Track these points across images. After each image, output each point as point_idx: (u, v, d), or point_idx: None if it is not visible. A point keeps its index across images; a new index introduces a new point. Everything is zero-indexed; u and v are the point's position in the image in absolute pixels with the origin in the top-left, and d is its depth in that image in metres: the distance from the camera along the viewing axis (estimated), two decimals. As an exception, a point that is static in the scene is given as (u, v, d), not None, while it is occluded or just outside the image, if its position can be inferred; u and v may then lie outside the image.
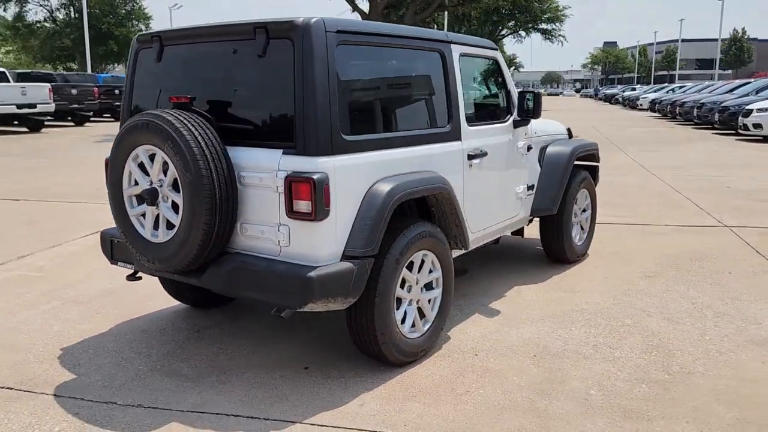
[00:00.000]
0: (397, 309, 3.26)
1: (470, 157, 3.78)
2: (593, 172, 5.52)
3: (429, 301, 3.48)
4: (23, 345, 3.65)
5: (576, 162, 5.23)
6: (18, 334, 3.81)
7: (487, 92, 4.46)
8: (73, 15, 43.71)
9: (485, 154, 3.92)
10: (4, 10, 42.45)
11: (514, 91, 4.31)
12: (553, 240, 5.05)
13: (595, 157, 5.42)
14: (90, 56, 35.71)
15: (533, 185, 4.68)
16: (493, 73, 4.32)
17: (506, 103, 4.30)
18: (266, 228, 2.95)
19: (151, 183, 3.03)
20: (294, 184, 2.81)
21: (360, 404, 2.96)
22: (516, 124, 4.30)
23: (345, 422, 2.81)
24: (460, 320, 3.99)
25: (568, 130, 5.50)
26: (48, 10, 43.58)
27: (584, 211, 5.37)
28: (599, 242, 5.84)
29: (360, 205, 2.99)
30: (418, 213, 3.56)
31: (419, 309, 3.43)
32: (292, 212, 2.84)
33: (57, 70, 43.15)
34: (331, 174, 2.84)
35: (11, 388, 3.13)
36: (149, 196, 3.01)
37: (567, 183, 4.86)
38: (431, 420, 2.83)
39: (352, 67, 3.09)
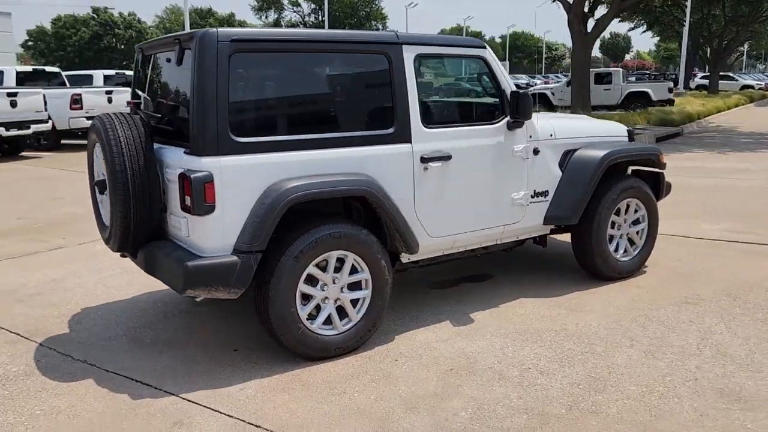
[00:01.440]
0: (304, 305, 3.38)
1: (425, 160, 3.70)
2: (655, 180, 4.88)
3: (353, 301, 3.53)
4: (61, 303, 4.48)
5: (634, 168, 4.70)
6: (66, 293, 4.67)
7: (466, 92, 4.24)
8: (321, 18, 48.36)
9: (449, 157, 3.78)
10: (265, 18, 48.57)
11: (527, 91, 4.05)
12: (584, 253, 4.60)
13: (654, 162, 4.78)
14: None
15: (546, 191, 4.33)
16: (480, 73, 4.11)
17: (498, 104, 4.06)
18: (177, 219, 3.31)
19: (103, 175, 3.56)
20: (183, 180, 3.11)
21: (240, 389, 3.18)
22: (511, 126, 4.04)
23: (211, 401, 3.05)
24: (425, 325, 3.93)
25: (629, 131, 4.92)
26: (300, 15, 48.82)
27: (636, 223, 4.78)
28: (677, 260, 5.14)
29: (254, 203, 3.18)
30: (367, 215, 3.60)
31: (340, 308, 3.50)
32: (184, 206, 3.15)
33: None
34: (216, 173, 3.08)
35: (18, 334, 3.93)
36: (99, 186, 3.55)
37: (595, 191, 4.41)
38: (280, 412, 2.94)
39: (250, 74, 3.27)
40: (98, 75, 16.81)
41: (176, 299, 4.47)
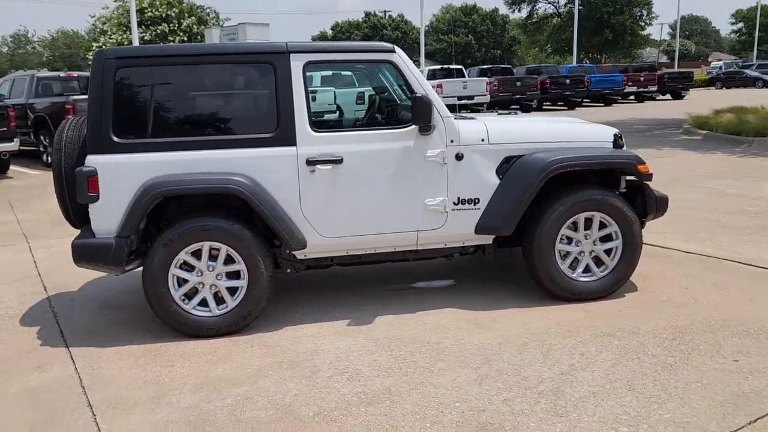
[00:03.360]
0: (179, 287, 3.84)
1: (311, 163, 3.87)
2: (638, 194, 4.26)
3: (231, 289, 3.90)
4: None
5: (631, 179, 4.19)
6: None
7: (368, 97, 4.17)
8: (572, 7, 46.45)
9: (340, 160, 3.89)
10: (519, 11, 48.27)
11: (424, 95, 3.96)
12: (530, 269, 4.25)
13: (629, 172, 4.17)
14: (585, 47, 37.77)
15: (475, 199, 4.12)
16: (387, 78, 4.06)
17: (409, 108, 3.99)
18: None
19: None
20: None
21: (114, 349, 3.79)
22: (423, 130, 3.97)
23: (82, 354, 3.71)
24: (323, 321, 4.10)
25: (616, 137, 4.34)
26: (554, 6, 47.48)
27: (607, 240, 4.24)
28: (679, 286, 4.40)
29: (132, 195, 3.74)
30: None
31: (217, 294, 3.90)
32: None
33: (562, 62, 46.72)
34: (99, 168, 3.72)
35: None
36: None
37: (544, 201, 4.08)
38: (120, 369, 3.48)
39: (132, 85, 3.79)
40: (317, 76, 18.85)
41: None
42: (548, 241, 4.14)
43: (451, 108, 4.23)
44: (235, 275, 3.91)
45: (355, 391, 3.16)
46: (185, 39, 27.67)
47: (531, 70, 28.76)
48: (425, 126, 3.93)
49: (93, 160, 3.73)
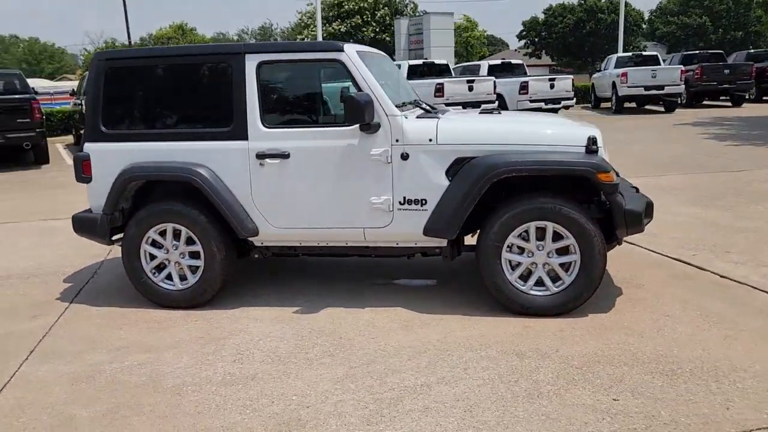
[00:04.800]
0: (150, 261, 4.38)
1: (261, 156, 4.14)
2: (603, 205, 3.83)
3: (192, 267, 4.34)
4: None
5: (595, 186, 3.88)
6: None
7: (315, 95, 4.19)
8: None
9: (287, 155, 4.10)
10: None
11: (372, 94, 3.98)
12: (481, 277, 4.06)
13: (589, 181, 3.76)
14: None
15: (422, 200, 4.03)
16: (335, 76, 4.09)
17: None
18: None
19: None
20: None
21: (96, 309, 4.45)
22: (364, 129, 4.00)
23: (67, 313, 4.43)
24: (261, 306, 4.37)
25: (590, 140, 3.91)
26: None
27: (564, 253, 3.89)
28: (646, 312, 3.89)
29: (114, 178, 4.34)
30: None
31: (181, 270, 4.38)
32: (80, 176, 4.54)
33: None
34: (91, 155, 4.38)
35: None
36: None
37: (492, 206, 3.92)
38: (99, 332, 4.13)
39: (120, 83, 4.32)
40: (484, 65, 18.70)
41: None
42: (494, 249, 3.93)
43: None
44: (196, 255, 4.33)
45: (227, 372, 3.40)
46: (377, 30, 29.08)
47: (753, 56, 25.23)
48: (364, 125, 3.96)
49: (87, 147, 4.40)
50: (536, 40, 56.63)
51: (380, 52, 5.04)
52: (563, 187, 3.98)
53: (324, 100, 4.43)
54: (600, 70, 22.98)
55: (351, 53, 4.07)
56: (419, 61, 18.17)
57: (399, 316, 4.09)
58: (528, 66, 22.42)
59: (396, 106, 4.11)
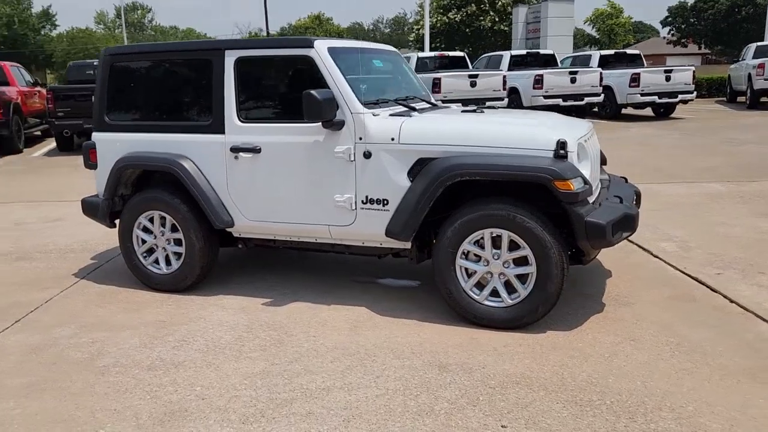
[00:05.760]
0: (142, 244, 4.64)
1: (235, 150, 4.24)
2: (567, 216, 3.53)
3: (176, 254, 4.55)
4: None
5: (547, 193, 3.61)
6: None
7: (287, 91, 4.13)
8: None
9: (258, 149, 4.17)
10: None
11: (337, 91, 3.94)
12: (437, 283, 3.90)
13: (547, 186, 3.46)
14: None
15: (384, 200, 3.93)
16: (305, 73, 4.05)
17: (321, 103, 3.99)
18: None
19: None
20: (84, 146, 4.86)
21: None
22: (327, 125, 3.96)
23: (72, 288, 4.82)
24: (231, 294, 4.49)
25: (560, 143, 3.58)
26: None
27: (522, 264, 3.63)
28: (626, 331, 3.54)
29: (112, 166, 4.65)
30: None
31: (167, 256, 4.60)
32: (90, 163, 4.89)
33: None
34: (97, 143, 4.72)
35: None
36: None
37: (447, 211, 3.77)
38: (89, 312, 4.48)
39: (122, 77, 4.58)
40: (596, 56, 17.67)
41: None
42: (448, 255, 3.76)
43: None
44: (179, 242, 4.54)
45: (159, 357, 3.55)
46: (496, 19, 28.33)
47: None
48: (326, 122, 3.93)
49: (94, 136, 4.74)
50: (683, 27, 52.58)
51: (380, 45, 4.95)
52: (536, 195, 3.71)
53: (296, 96, 4.44)
54: (737, 61, 20.90)
55: (321, 49, 4.04)
56: (522, 52, 17.50)
57: (356, 315, 4.04)
58: (674, 56, 20.35)
59: (377, 103, 4.09)
